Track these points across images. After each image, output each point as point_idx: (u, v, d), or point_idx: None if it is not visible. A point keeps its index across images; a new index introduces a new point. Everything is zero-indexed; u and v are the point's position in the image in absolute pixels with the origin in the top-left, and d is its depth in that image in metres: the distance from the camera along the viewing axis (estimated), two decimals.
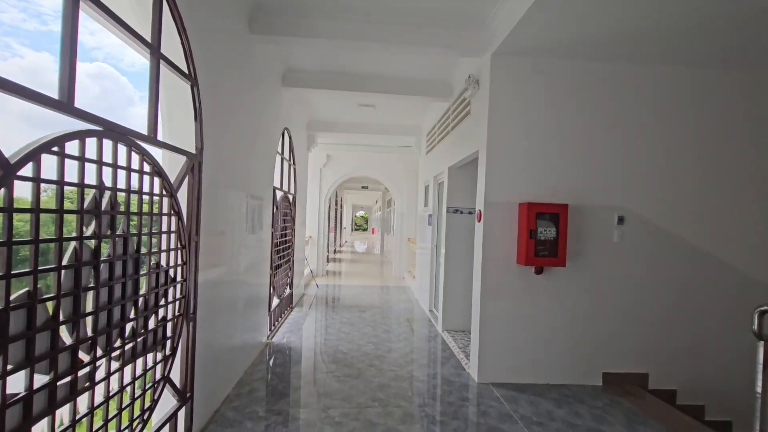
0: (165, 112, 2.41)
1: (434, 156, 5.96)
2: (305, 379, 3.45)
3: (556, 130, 3.46)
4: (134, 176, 1.79)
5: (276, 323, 4.97)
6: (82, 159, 1.44)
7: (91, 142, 1.48)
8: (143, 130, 1.87)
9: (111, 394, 1.66)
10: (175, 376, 2.29)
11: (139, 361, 1.90)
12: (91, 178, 1.50)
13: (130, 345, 1.80)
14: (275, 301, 4.96)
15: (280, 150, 4.99)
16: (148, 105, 1.89)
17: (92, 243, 1.53)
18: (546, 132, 3.46)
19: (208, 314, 2.67)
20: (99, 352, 1.59)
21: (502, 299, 3.43)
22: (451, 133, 4.81)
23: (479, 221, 3.54)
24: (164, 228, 2.08)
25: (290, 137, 5.53)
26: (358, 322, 5.29)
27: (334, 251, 14.67)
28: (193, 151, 2.37)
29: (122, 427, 1.76)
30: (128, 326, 1.78)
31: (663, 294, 3.50)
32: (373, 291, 7.71)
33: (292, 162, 5.80)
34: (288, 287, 5.86)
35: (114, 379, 1.70)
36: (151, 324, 1.99)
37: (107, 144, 1.59)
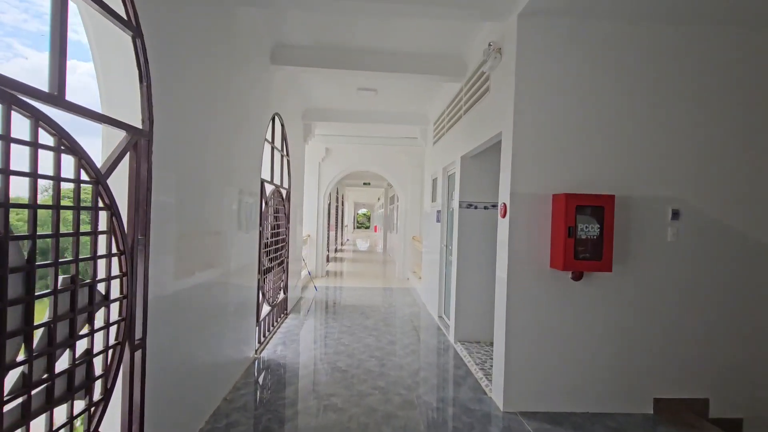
0: (102, 72, 1.83)
1: (443, 146, 5.36)
2: (297, 408, 2.88)
3: (598, 104, 2.86)
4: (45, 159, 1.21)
5: (267, 333, 4.40)
6: None
7: None
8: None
9: None
10: (114, 426, 1.72)
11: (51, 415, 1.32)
12: None
13: (21, 398, 1.22)
14: (265, 309, 4.39)
15: (270, 138, 4.41)
16: (50, 51, 1.31)
17: None
18: (585, 107, 2.85)
19: (172, 333, 2.10)
20: None
21: (533, 310, 2.85)
22: (465, 117, 4.21)
23: (503, 216, 2.94)
24: (102, 227, 1.50)
25: (282, 125, 4.95)
26: (360, 331, 4.71)
27: (335, 250, 14.12)
28: (138, 125, 1.79)
29: None
30: (18, 371, 1.21)
31: (726, 305, 2.90)
32: (376, 293, 7.13)
33: (285, 153, 5.21)
34: (282, 292, 5.29)
35: None
36: (69, 361, 1.42)
37: None
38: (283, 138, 5.08)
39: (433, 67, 4.21)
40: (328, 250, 10.95)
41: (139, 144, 1.78)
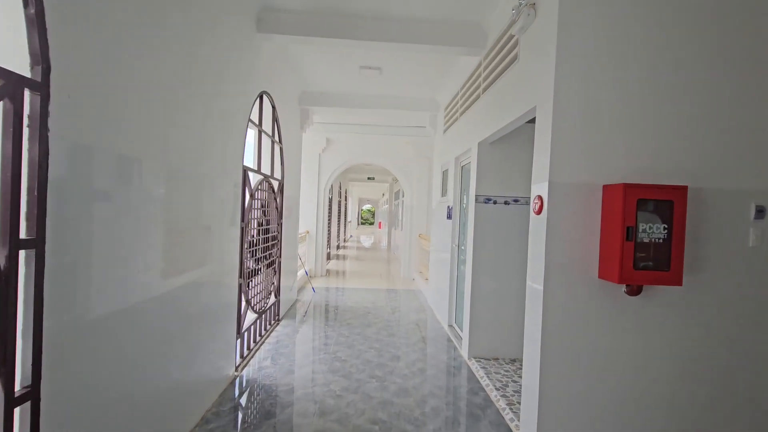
0: None
1: (455, 133, 4.73)
2: None
3: (665, 70, 2.23)
4: None
5: (253, 345, 3.83)
6: None
7: None
8: None
9: None
10: None
11: None
12: None
13: None
14: (250, 317, 3.82)
15: (257, 120, 3.81)
16: None
17: None
18: (648, 74, 2.22)
19: (109, 361, 1.52)
20: None
21: (576, 331, 2.24)
22: (484, 96, 3.58)
23: (539, 213, 2.33)
24: None
25: (274, 107, 4.35)
26: (360, 343, 4.13)
27: (337, 247, 13.55)
28: (26, 74, 1.20)
29: None
30: None
31: None
32: (379, 296, 6.55)
33: (277, 139, 4.62)
34: (273, 295, 4.72)
35: None
36: None
37: None
38: (275, 122, 4.48)
39: (447, 36, 3.58)
40: (329, 248, 10.39)
41: (20, 96, 1.19)
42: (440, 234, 5.37)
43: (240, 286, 3.37)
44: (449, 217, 4.82)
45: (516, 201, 3.73)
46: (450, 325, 4.71)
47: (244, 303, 3.58)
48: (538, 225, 2.34)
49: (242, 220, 3.34)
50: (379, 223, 30.23)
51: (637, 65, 2.22)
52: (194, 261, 2.47)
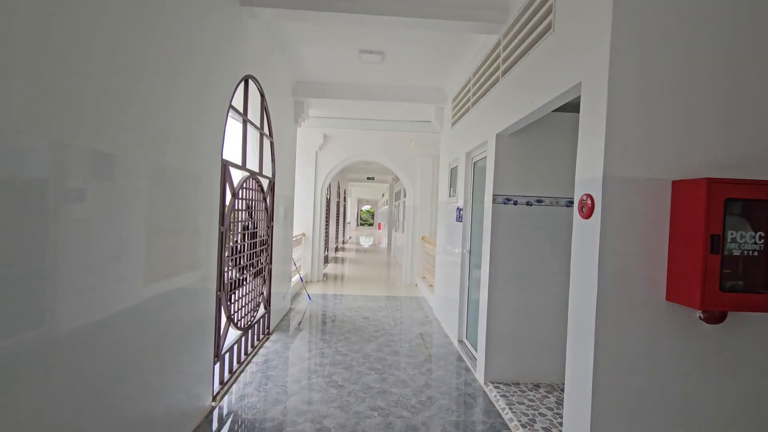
0: None
1: (467, 125, 4.24)
2: None
3: (758, 35, 1.74)
4: None
5: (237, 366, 3.33)
6: None
7: None
8: None
9: None
10: None
11: None
12: None
13: None
14: (233, 335, 3.32)
15: (241, 108, 3.32)
16: None
17: None
18: (733, 40, 1.73)
19: (61, 386, 1.02)
20: None
21: (637, 365, 1.74)
22: (504, 79, 3.09)
23: (588, 216, 1.83)
24: None
25: (262, 95, 3.85)
26: (359, 363, 3.63)
27: (336, 249, 13.04)
28: None
29: None
30: None
31: None
32: (380, 304, 6.04)
33: (267, 132, 4.12)
34: (262, 307, 4.22)
35: None
36: None
37: None
38: (264, 112, 3.98)
39: (460, 10, 3.09)
40: (327, 251, 9.89)
41: None
42: (448, 238, 4.87)
43: (219, 300, 2.87)
44: (459, 219, 4.32)
45: (540, 201, 3.24)
46: (460, 341, 4.21)
47: (224, 319, 3.08)
48: (586, 231, 1.84)
49: (221, 223, 2.84)
50: (379, 224, 29.74)
51: (719, 29, 1.73)
52: (161, 271, 1.97)
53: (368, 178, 15.60)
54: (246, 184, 3.41)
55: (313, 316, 5.30)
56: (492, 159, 3.28)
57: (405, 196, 10.47)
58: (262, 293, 4.12)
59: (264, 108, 3.95)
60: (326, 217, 9.22)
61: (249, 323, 3.64)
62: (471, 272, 4.08)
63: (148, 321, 1.96)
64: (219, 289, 2.87)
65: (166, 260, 2.12)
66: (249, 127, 3.56)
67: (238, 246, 3.33)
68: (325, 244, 9.34)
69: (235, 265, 3.26)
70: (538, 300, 3.23)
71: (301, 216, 7.63)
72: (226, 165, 2.88)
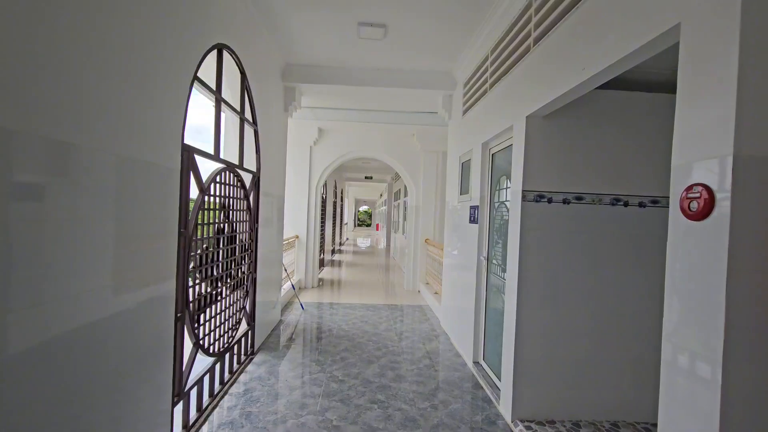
0: None
1: (483, 111, 3.65)
2: None
3: None
4: None
5: (208, 402, 2.72)
6: None
7: None
8: None
9: None
10: None
11: None
12: None
13: None
14: (204, 363, 2.71)
15: (214, 85, 2.71)
16: None
17: None
18: None
19: None
20: None
21: None
22: (538, 47, 2.50)
23: (701, 217, 1.23)
24: None
25: (243, 72, 3.24)
26: (357, 393, 3.03)
27: (332, 251, 12.42)
28: None
29: None
30: None
31: None
32: (380, 315, 5.44)
33: (249, 119, 3.51)
34: (244, 323, 3.61)
35: None
36: None
37: None
38: (246, 94, 3.37)
39: None
40: (323, 254, 9.27)
41: None
42: (459, 241, 4.27)
43: (178, 322, 2.25)
44: (474, 220, 3.73)
45: (579, 199, 2.65)
46: (476, 362, 3.61)
47: (191, 345, 2.47)
48: (699, 239, 1.24)
49: (183, 225, 2.23)
50: (377, 224, 29.13)
51: None
52: (100, 289, 1.37)
53: (366, 177, 15.01)
54: (221, 178, 2.80)
55: (306, 330, 4.69)
56: (520, 147, 2.68)
57: (406, 196, 9.87)
58: (244, 307, 3.51)
59: (246, 89, 3.35)
60: (322, 218, 8.61)
61: (226, 345, 3.03)
62: (489, 282, 3.49)
63: (93, 352, 1.36)
64: (180, 309, 2.26)
65: (109, 274, 1.51)
66: (226, 109, 2.95)
67: (210, 253, 2.72)
68: (321, 247, 8.73)
69: (206, 277, 2.65)
70: (579, 319, 2.64)
71: (294, 217, 7.02)
72: (189, 152, 2.27)
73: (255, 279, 3.75)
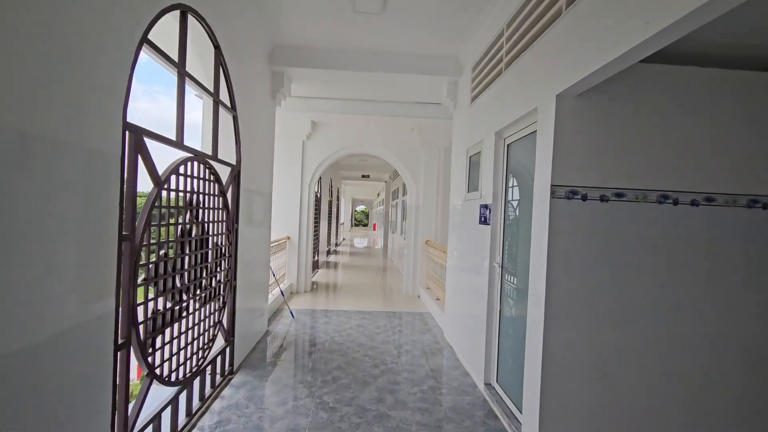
0: None
1: (497, 95, 3.19)
2: None
3: None
4: None
5: None
6: None
7: None
8: None
9: None
10: None
11: None
12: None
13: None
14: (163, 394, 2.22)
15: (176, 57, 2.22)
16: None
17: None
18: None
19: None
20: None
21: None
22: (572, 9, 2.04)
23: None
24: None
25: (217, 47, 2.76)
26: (351, 426, 2.56)
27: (328, 252, 11.92)
28: None
29: None
30: None
31: None
32: (378, 324, 4.96)
33: (227, 104, 3.03)
34: (221, 338, 3.13)
35: None
36: None
37: None
38: (222, 73, 2.89)
39: None
40: (317, 255, 8.79)
41: None
42: (466, 244, 3.81)
43: (122, 350, 1.77)
44: (485, 221, 3.27)
45: (620, 196, 2.19)
46: (488, 384, 3.15)
47: (144, 375, 1.99)
48: None
49: (128, 228, 1.75)
50: (374, 224, 28.62)
51: None
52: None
53: (363, 176, 14.52)
54: (186, 170, 2.31)
55: (295, 342, 4.21)
56: (548, 133, 2.22)
57: (404, 195, 9.41)
58: (220, 321, 3.02)
59: (222, 67, 2.86)
60: (316, 218, 8.13)
61: (194, 369, 2.55)
62: (503, 291, 3.03)
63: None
64: (125, 334, 1.78)
65: (11, 299, 1.04)
66: (192, 87, 2.47)
67: (172, 261, 2.23)
68: (315, 248, 8.24)
69: (165, 290, 2.16)
70: (624, 343, 2.18)
71: (286, 217, 6.53)
72: (138, 135, 1.79)
73: (234, 287, 3.27)
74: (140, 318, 1.91)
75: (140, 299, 1.92)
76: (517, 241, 2.82)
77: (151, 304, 2.02)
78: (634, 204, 2.19)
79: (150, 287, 2.02)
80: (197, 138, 3.14)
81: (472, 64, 3.83)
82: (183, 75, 2.24)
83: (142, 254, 1.90)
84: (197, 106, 2.49)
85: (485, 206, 3.28)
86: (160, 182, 2.02)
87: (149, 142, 1.92)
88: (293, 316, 5.16)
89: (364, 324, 4.93)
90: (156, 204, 1.99)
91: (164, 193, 2.09)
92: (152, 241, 2.00)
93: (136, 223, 1.84)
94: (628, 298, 2.18)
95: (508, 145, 3.03)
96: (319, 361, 3.65)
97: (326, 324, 4.89)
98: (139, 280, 1.91)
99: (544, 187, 2.22)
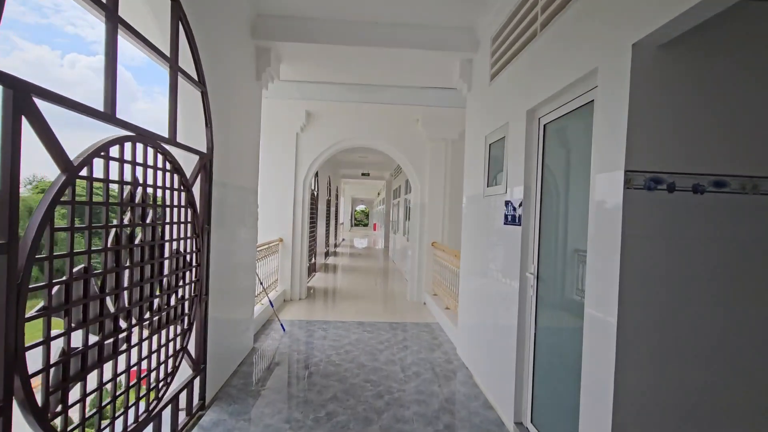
0: None
1: (529, 65, 2.57)
2: None
3: None
4: None
5: None
6: None
7: None
8: None
9: None
10: None
11: None
12: None
13: None
14: None
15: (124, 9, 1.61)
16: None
17: None
18: None
19: None
20: None
21: None
22: None
23: None
24: None
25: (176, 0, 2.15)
26: None
27: (326, 254, 11.30)
28: None
29: None
30: None
31: None
32: (381, 339, 4.35)
33: (193, 77, 2.42)
34: (187, 366, 2.52)
35: None
36: None
37: None
38: (183, 35, 2.28)
39: None
40: (314, 257, 8.18)
41: None
42: (487, 249, 3.20)
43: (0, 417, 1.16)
44: (513, 220, 2.65)
45: (720, 185, 1.58)
46: (519, 423, 2.53)
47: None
48: None
49: (2, 233, 1.14)
50: (374, 224, 27.99)
51: None
52: None
53: (363, 174, 13.92)
54: (123, 154, 1.70)
55: (285, 363, 3.60)
56: (620, 99, 1.60)
57: (408, 192, 8.80)
58: (184, 348, 2.41)
59: (183, 24, 2.25)
60: (312, 218, 7.52)
61: (139, 419, 1.93)
62: (539, 308, 2.42)
63: None
64: (3, 394, 1.16)
65: None
66: (132, 40, 1.85)
67: (99, 278, 1.62)
68: (311, 251, 7.63)
69: (86, 320, 1.55)
70: (732, 391, 1.57)
71: (278, 217, 5.93)
72: (25, 93, 1.18)
73: (206, 302, 2.66)
74: (39, 365, 1.31)
75: (39, 337, 1.31)
76: (557, 246, 2.21)
77: (60, 342, 1.41)
78: (742, 197, 1.58)
79: (60, 317, 1.41)
80: (196, 138, 2.53)
81: (492, 35, 3.22)
82: (114, 21, 1.63)
83: (38, 272, 1.29)
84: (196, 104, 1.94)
85: (513, 203, 2.67)
86: (71, 167, 1.40)
87: (60, 112, 1.32)
88: (284, 330, 4.54)
89: (365, 338, 4.32)
90: (65, 199, 1.38)
91: (92, 185, 1.48)
92: (62, 252, 1.39)
93: (26, 226, 1.24)
94: (736, 331, 1.57)
95: (544, 125, 2.41)
96: (311, 390, 3.04)
97: (322, 339, 4.27)
98: (35, 310, 1.30)
99: (612, 174, 1.61)
